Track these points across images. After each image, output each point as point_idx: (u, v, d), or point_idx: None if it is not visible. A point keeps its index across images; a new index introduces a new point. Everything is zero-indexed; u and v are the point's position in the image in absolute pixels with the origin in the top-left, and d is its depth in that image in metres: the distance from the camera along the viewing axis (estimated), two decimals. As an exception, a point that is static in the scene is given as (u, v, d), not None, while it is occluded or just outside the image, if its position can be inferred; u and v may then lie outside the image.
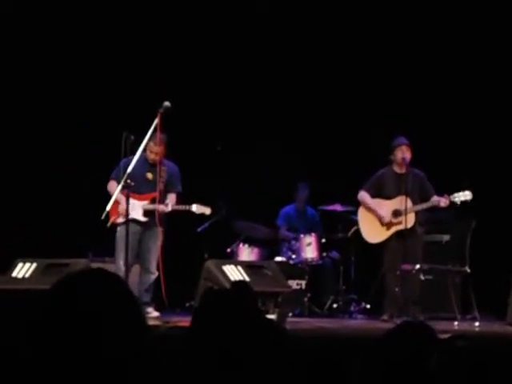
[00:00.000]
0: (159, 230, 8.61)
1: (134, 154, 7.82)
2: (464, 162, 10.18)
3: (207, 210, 8.82)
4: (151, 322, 7.62)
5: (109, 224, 8.39)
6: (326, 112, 11.01)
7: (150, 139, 8.05)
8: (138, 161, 7.90)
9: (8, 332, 2.25)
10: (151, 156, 8.50)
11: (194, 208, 8.73)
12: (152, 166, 8.50)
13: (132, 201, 8.01)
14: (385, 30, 10.70)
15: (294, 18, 10.88)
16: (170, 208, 8.55)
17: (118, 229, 8.49)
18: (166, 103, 7.82)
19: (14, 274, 7.86)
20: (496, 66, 10.40)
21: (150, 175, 8.56)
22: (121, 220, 8.44)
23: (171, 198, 8.68)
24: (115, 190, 8.31)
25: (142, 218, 8.58)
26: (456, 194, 8.75)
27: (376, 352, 2.75)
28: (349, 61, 10.85)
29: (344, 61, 10.86)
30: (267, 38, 10.83)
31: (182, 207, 8.71)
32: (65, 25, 10.63)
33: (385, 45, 10.76)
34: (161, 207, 8.53)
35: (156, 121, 7.81)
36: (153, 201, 8.64)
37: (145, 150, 8.21)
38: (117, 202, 8.25)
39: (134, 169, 7.84)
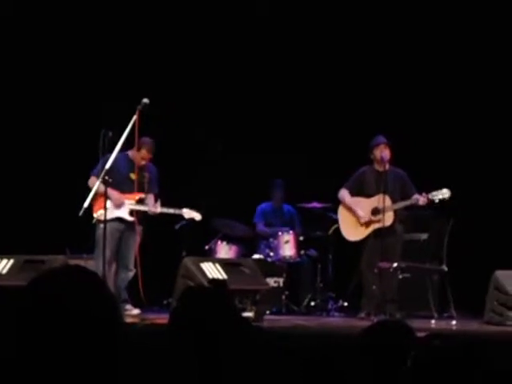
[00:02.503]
0: (138, 228, 8.60)
1: (111, 150, 7.77)
2: (442, 161, 10.23)
3: (197, 216, 8.82)
4: (129, 320, 7.60)
5: (94, 220, 8.35)
6: (304, 110, 11.02)
7: (140, 144, 7.92)
8: (121, 159, 7.86)
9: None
10: (142, 162, 8.49)
11: (185, 213, 8.73)
12: (135, 167, 8.44)
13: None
14: (377, 38, 10.71)
15: (294, 21, 10.87)
16: (159, 210, 8.54)
17: (101, 226, 8.44)
18: (145, 100, 7.74)
19: (-10, 271, 7.81)
20: (476, 65, 10.44)
21: (133, 175, 8.52)
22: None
23: (150, 199, 8.67)
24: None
25: (129, 218, 8.56)
26: (434, 193, 8.81)
27: (354, 349, 2.75)
28: (338, 63, 10.86)
29: (334, 63, 10.87)
30: (267, 41, 10.82)
31: (171, 210, 8.70)
32: (45, 24, 10.57)
33: (369, 48, 10.78)
34: (152, 208, 8.52)
35: (134, 118, 7.73)
36: (138, 201, 8.63)
37: (125, 148, 8.16)
38: (102, 197, 8.13)
39: (118, 167, 7.80)
